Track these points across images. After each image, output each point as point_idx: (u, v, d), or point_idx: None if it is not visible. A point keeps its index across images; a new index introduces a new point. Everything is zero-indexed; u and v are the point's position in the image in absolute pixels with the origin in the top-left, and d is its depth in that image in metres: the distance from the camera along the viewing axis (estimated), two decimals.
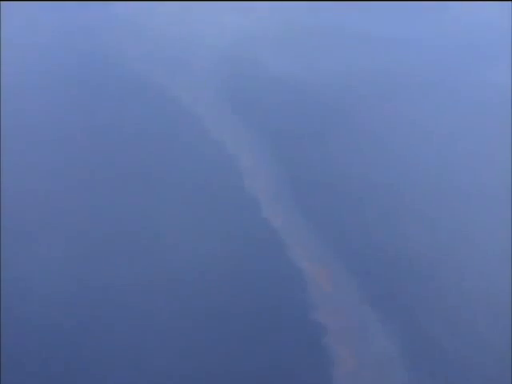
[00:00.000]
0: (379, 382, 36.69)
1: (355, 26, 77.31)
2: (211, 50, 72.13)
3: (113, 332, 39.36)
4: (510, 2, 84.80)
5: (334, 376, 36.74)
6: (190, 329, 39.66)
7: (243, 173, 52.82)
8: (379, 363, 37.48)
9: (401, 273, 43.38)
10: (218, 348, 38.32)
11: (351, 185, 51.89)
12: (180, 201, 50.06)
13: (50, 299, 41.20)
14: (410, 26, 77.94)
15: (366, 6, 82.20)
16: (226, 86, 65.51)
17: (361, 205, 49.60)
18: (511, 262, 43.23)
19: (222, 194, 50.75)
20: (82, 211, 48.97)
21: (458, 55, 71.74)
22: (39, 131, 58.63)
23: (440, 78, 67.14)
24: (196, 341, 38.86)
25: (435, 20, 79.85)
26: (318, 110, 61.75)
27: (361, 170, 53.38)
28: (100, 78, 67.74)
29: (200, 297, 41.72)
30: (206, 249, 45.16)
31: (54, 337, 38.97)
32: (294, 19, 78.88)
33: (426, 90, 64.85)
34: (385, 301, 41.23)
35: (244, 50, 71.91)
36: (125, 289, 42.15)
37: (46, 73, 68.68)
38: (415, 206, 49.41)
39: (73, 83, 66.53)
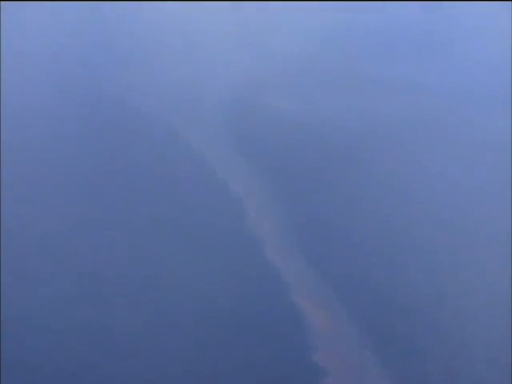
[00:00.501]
0: None
1: (362, 68, 77.19)
2: (218, 90, 71.99)
3: (113, 373, 40.26)
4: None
5: None
6: (190, 371, 40.56)
7: (247, 213, 53.56)
8: None
9: (401, 319, 43.93)
10: None
11: (354, 226, 52.41)
12: (182, 241, 50.63)
13: (50, 339, 42.18)
14: (415, 69, 77.74)
15: (373, 48, 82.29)
16: (232, 125, 65.68)
17: (363, 248, 50.11)
18: None
19: (225, 234, 51.34)
20: (85, 252, 49.51)
21: (461, 97, 72.29)
22: (41, 167, 59.62)
23: (443, 120, 67.68)
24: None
25: (440, 62, 79.67)
26: (324, 151, 62.32)
27: (365, 208, 54.09)
28: (106, 117, 67.64)
29: (200, 335, 42.68)
30: (207, 289, 45.91)
31: (54, 376, 40.05)
32: (301, 62, 78.92)
33: (430, 131, 65.31)
34: (384, 345, 41.91)
35: (250, 90, 71.91)
36: (126, 330, 42.92)
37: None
38: (418, 251, 50.08)
39: (79, 122, 66.63)
